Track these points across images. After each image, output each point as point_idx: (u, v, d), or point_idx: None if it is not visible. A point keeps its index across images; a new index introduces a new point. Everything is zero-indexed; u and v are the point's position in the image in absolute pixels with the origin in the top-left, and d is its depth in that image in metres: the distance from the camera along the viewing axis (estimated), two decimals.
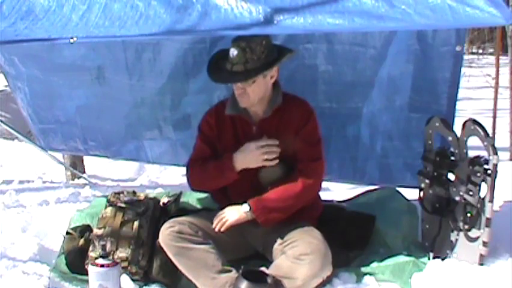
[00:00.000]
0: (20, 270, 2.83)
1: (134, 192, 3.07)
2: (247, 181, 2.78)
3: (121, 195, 3.02)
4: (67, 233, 3.06)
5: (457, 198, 2.79)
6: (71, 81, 3.78)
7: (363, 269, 2.84)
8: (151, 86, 3.61)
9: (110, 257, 2.66)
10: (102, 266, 2.58)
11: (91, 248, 2.84)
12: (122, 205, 2.93)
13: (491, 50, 11.09)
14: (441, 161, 2.92)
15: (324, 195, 3.05)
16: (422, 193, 3.02)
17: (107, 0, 2.69)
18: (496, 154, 2.62)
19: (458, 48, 3.04)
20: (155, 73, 3.56)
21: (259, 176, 2.78)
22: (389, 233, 3.03)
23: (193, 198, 3.33)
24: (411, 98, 3.27)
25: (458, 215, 2.79)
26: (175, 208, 3.09)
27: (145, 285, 2.80)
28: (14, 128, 4.36)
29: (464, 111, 4.88)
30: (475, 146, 2.81)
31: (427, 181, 2.99)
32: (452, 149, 2.88)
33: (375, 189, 3.42)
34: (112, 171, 4.84)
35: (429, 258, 2.89)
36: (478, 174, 2.68)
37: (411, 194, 3.22)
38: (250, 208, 2.72)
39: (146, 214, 2.93)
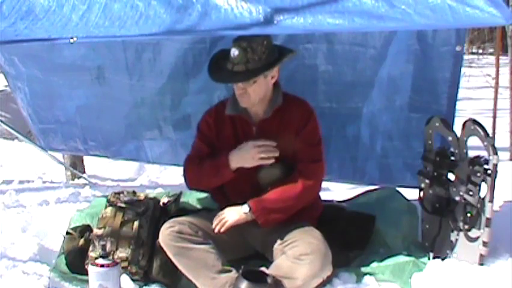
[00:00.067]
0: (20, 270, 2.83)
1: (134, 192, 3.07)
2: (247, 182, 2.77)
3: (121, 195, 3.02)
4: (67, 233, 3.06)
5: (457, 198, 2.79)
6: (71, 81, 3.78)
7: (363, 269, 2.84)
8: (151, 86, 3.61)
9: (110, 257, 2.66)
10: (102, 266, 2.58)
11: (91, 248, 2.84)
12: (122, 205, 2.93)
13: (491, 50, 11.08)
14: (441, 161, 2.92)
15: (324, 195, 3.05)
16: (422, 193, 3.02)
17: (107, 0, 2.69)
18: (496, 154, 2.62)
19: (458, 48, 3.04)
20: (155, 73, 3.56)
21: (258, 177, 2.78)
22: (389, 233, 3.03)
23: (193, 198, 3.33)
24: (411, 98, 3.27)
25: (458, 215, 2.79)
26: (175, 208, 3.09)
27: (145, 285, 2.80)
28: (14, 128, 4.36)
29: (464, 111, 4.87)
30: (475, 146, 2.81)
31: (427, 181, 2.99)
32: (452, 149, 2.88)
33: (375, 189, 3.42)
34: (112, 171, 4.84)
35: (429, 258, 2.89)
36: (478, 174, 2.68)
37: (411, 194, 3.22)
38: (250, 209, 2.71)
39: (146, 214, 2.93)
